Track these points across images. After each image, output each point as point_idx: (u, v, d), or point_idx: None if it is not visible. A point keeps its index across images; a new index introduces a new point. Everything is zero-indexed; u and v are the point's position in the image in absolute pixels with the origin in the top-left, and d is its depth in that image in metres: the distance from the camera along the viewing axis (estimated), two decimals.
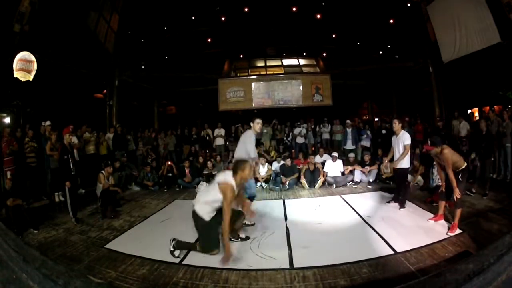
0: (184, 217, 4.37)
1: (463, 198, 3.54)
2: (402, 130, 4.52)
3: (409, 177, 5.29)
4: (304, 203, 5.16)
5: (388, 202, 4.77)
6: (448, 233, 3.29)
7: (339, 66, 13.25)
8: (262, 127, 9.31)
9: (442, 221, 3.70)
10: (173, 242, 3.03)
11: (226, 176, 2.85)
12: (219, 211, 2.86)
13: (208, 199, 2.89)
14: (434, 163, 4.68)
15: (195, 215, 2.95)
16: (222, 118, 10.25)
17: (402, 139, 4.41)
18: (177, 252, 3.00)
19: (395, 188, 4.88)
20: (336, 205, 4.95)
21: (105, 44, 9.73)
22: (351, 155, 6.98)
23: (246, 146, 3.86)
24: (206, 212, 2.90)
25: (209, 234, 2.94)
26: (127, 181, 6.87)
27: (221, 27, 12.72)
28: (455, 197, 3.41)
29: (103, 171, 5.15)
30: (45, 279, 1.03)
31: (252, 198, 4.09)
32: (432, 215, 3.90)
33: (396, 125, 4.52)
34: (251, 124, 4.01)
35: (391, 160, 4.76)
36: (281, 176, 6.40)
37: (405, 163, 4.45)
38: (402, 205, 4.42)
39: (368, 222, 3.90)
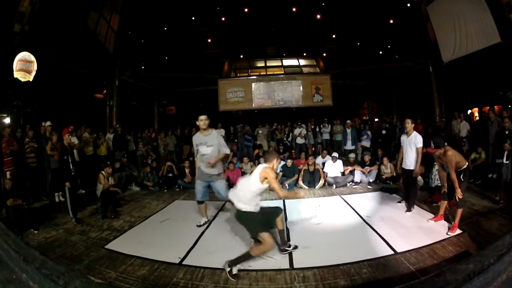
0: (184, 217, 4.39)
1: (464, 199, 3.54)
2: (414, 132, 4.31)
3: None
4: (304, 203, 5.15)
5: (399, 202, 4.70)
6: (448, 233, 3.29)
7: (339, 66, 13.26)
8: (257, 129, 9.49)
9: (442, 221, 3.70)
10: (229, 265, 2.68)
11: (262, 166, 2.83)
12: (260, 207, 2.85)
13: (252, 192, 2.75)
14: (435, 163, 4.67)
15: (243, 213, 2.76)
16: (222, 119, 10.24)
17: (415, 142, 4.21)
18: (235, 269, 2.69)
19: (404, 188, 4.69)
20: (336, 205, 4.94)
21: (105, 44, 9.73)
22: (352, 155, 6.98)
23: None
24: (253, 205, 2.76)
25: (260, 220, 2.78)
26: (127, 181, 6.87)
27: (221, 28, 12.71)
28: (456, 197, 3.41)
29: (103, 172, 5.15)
30: (45, 279, 1.03)
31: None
32: (432, 215, 3.90)
33: (409, 125, 4.29)
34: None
35: (402, 161, 4.51)
36: (281, 177, 6.40)
37: (415, 164, 4.28)
38: (409, 208, 4.27)
39: (368, 222, 3.90)
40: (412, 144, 4.25)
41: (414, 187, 4.46)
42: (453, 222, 3.42)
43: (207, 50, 14.09)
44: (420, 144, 4.16)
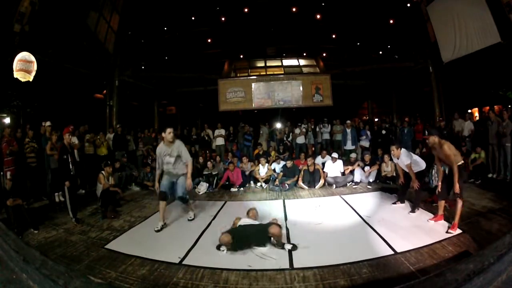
0: (184, 217, 4.39)
1: (464, 198, 3.54)
2: (401, 151, 4.50)
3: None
4: (304, 203, 5.16)
5: (394, 203, 4.72)
6: (449, 231, 3.29)
7: (339, 66, 13.25)
8: (262, 128, 9.56)
9: (442, 221, 3.70)
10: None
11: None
12: None
13: None
14: (434, 163, 4.67)
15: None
16: (222, 118, 10.25)
17: (403, 162, 4.48)
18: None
19: (400, 189, 4.79)
20: (336, 205, 4.94)
21: (105, 44, 9.73)
22: (353, 155, 6.98)
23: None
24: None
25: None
26: (127, 181, 6.87)
27: (221, 28, 12.73)
28: (454, 190, 3.42)
29: (103, 171, 5.15)
30: (45, 279, 1.03)
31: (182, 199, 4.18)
32: (432, 215, 3.90)
33: (394, 151, 4.54)
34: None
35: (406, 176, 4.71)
36: (282, 177, 6.40)
37: (420, 165, 4.47)
38: (413, 210, 4.27)
39: (368, 222, 3.89)
40: (403, 165, 4.55)
41: (419, 189, 4.47)
42: (453, 221, 3.41)
43: (207, 50, 14.11)
44: (408, 161, 4.43)
